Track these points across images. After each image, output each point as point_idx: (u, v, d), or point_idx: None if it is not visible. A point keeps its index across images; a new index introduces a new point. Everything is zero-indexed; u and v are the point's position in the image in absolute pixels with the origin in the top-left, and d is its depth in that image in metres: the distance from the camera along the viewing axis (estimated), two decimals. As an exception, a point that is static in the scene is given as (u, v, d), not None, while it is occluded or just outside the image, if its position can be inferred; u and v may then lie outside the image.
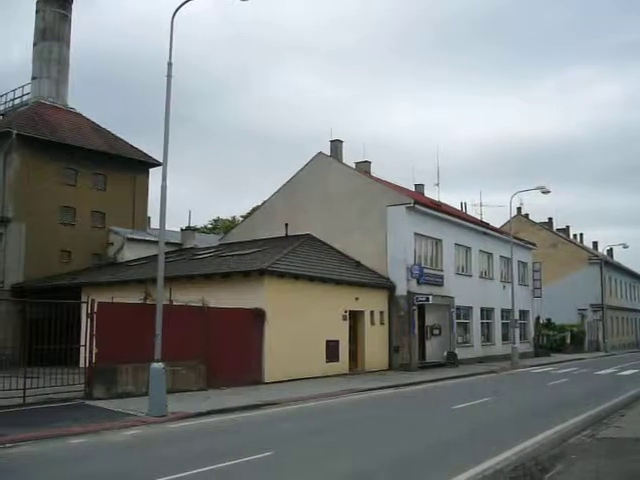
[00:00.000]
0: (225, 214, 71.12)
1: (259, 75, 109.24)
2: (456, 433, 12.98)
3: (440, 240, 34.05)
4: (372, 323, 29.35)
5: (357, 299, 28.13)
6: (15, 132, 32.47)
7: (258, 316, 22.71)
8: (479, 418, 15.32)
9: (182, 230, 39.37)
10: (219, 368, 20.21)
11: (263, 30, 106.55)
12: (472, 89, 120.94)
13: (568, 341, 52.27)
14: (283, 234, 32.67)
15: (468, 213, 45.40)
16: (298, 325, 23.93)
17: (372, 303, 29.38)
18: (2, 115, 39.21)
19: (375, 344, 29.32)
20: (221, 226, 65.29)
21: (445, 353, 32.75)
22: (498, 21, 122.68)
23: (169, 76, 15.53)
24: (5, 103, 39.58)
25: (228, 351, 21.02)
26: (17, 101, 38.94)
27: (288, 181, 34.91)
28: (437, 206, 36.41)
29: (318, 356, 25.34)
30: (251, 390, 20.23)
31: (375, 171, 36.79)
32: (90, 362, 17.43)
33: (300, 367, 23.75)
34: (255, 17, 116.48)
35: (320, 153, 34.58)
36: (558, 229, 66.51)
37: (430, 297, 30.96)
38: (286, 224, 33.01)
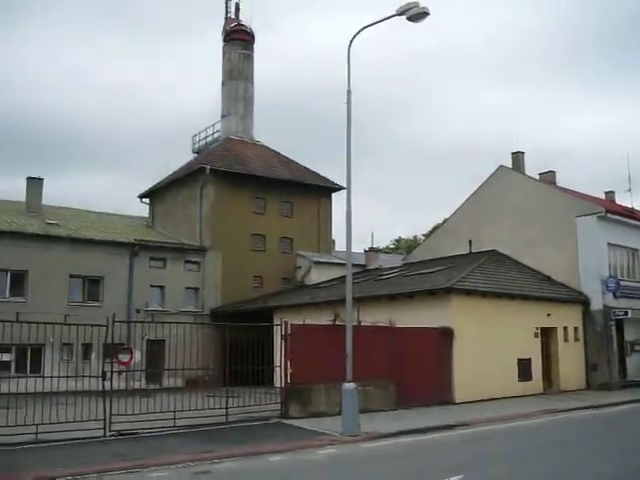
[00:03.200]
0: (406, 233, 71.37)
1: (432, 92, 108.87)
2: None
3: (636, 250, 31.85)
4: (566, 340, 27.98)
5: (549, 315, 26.99)
6: (209, 167, 35.10)
7: (446, 335, 22.50)
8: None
9: (366, 251, 40.06)
10: (408, 388, 20.21)
11: (432, 48, 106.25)
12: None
13: None
14: (467, 251, 32.19)
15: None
16: (487, 343, 23.39)
17: (565, 319, 28.03)
18: (197, 153, 42.49)
19: (570, 362, 27.87)
20: (403, 246, 65.55)
21: (650, 371, 30.38)
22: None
23: (349, 103, 15.90)
24: (199, 141, 42.96)
25: (417, 371, 20.96)
26: (209, 139, 42.10)
27: (470, 197, 34.43)
28: (630, 213, 34.13)
29: (509, 375, 24.56)
30: (441, 410, 20.02)
31: (560, 181, 35.31)
32: (285, 382, 18.15)
33: (491, 387, 23.13)
34: (426, 36, 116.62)
35: (501, 166, 33.81)
36: None
37: (629, 311, 28.94)
38: (470, 241, 32.51)
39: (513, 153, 34.77)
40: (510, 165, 34.41)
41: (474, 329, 23.10)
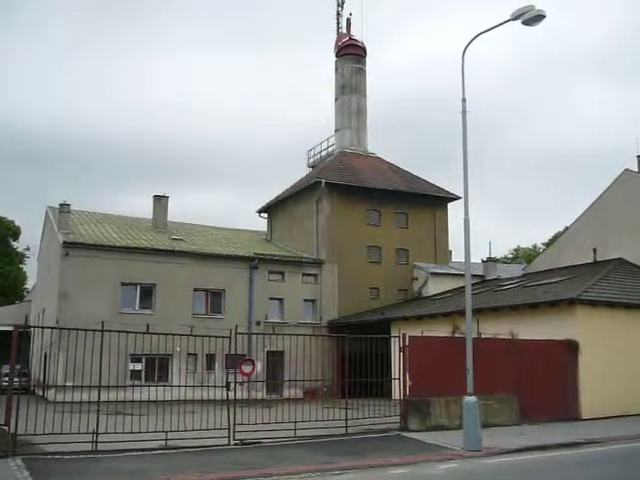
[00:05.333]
0: (525, 243, 69.35)
1: (549, 98, 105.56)
2: None
3: None
4: None
5: (684, 327, 25.34)
6: (324, 181, 35.62)
7: (571, 348, 21.63)
8: None
9: (483, 261, 39.27)
10: (531, 402, 19.57)
11: (550, 52, 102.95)
12: None
13: None
14: (591, 260, 30.86)
15: None
16: (616, 357, 22.25)
17: (702, 331, 26.20)
18: (312, 167, 43.22)
19: None
20: (522, 255, 63.81)
21: None
22: None
23: (464, 112, 15.73)
24: (314, 156, 43.72)
25: (540, 385, 20.27)
26: (324, 153, 42.74)
27: (593, 203, 32.98)
28: None
29: (642, 390, 23.24)
30: (567, 426, 19.20)
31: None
32: (404, 395, 18.02)
33: (621, 402, 21.93)
34: (542, 39, 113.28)
35: (626, 170, 32.22)
36: None
37: None
38: (594, 249, 31.16)
39: (638, 156, 33.11)
40: (636, 169, 32.78)
41: (601, 342, 22.05)
